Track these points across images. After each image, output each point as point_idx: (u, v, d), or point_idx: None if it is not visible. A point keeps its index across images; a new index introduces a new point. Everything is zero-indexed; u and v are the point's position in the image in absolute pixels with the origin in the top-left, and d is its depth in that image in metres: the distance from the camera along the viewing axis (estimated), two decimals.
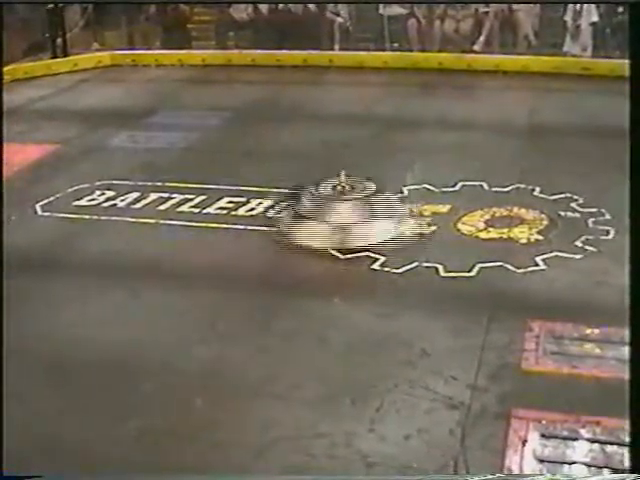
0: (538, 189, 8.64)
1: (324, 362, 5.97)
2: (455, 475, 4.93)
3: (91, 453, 5.12)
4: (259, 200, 8.72)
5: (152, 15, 16.30)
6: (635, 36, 5.04)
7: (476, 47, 14.51)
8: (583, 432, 5.01)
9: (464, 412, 5.25)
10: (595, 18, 13.70)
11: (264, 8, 15.47)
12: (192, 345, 6.26)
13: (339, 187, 8.03)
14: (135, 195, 9.11)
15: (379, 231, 7.76)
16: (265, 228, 8.15)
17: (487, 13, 14.54)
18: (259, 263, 7.54)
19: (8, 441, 4.63)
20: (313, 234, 7.79)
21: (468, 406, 5.31)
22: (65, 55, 15.57)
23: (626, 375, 4.46)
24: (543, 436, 5.01)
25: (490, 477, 4.80)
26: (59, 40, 15.59)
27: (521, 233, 7.72)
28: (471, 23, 14.69)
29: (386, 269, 7.22)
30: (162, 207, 8.78)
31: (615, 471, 4.76)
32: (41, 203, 9.08)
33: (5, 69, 14.47)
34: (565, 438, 4.99)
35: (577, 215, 8.06)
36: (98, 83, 14.56)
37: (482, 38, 14.52)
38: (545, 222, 7.93)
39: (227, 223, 8.30)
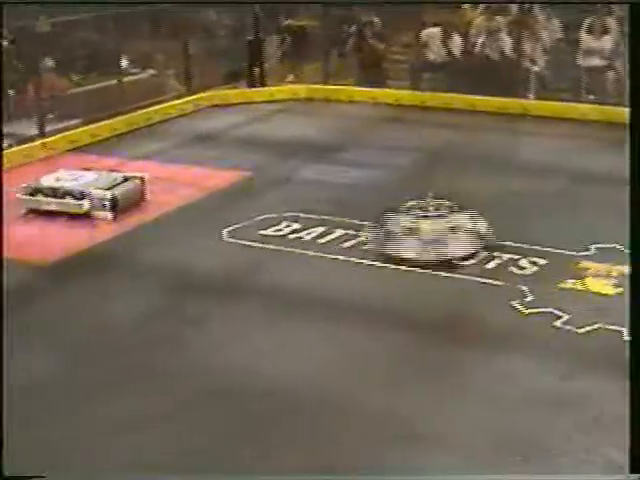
0: None
1: (497, 417, 5.91)
2: (456, 475, 4.98)
3: None
4: None
5: (347, 52, 16.48)
6: (635, 36, 4.93)
7: None
8: None
9: None
10: None
11: (457, 51, 15.46)
12: (360, 386, 6.32)
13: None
14: (321, 229, 9.21)
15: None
16: (447, 274, 8.15)
17: None
18: (439, 309, 7.52)
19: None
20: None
21: None
22: (262, 85, 15.94)
23: None
24: None
25: (490, 477, 4.74)
26: (257, 70, 15.96)
27: None
28: None
29: (568, 327, 7.09)
30: (347, 244, 8.85)
31: None
32: (228, 229, 9.27)
33: (204, 94, 14.99)
34: None
35: None
36: (292, 115, 14.83)
37: None
38: None
39: (412, 266, 8.31)
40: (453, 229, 8.52)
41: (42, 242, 9.15)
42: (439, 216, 8.60)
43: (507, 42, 15.11)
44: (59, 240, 9.13)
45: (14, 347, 6.81)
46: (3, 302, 6.70)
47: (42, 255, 8.79)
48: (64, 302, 7.80)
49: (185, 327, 7.23)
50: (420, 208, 8.70)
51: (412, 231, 8.51)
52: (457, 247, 8.44)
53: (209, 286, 8.09)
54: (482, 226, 8.68)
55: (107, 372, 6.57)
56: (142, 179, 10.23)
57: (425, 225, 8.52)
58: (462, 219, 8.61)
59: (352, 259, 8.52)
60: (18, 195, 9.86)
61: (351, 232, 9.09)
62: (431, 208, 8.70)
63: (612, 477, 4.93)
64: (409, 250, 8.42)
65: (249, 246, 8.92)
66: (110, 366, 6.65)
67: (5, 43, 13.88)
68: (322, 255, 8.65)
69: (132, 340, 7.07)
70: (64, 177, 10.08)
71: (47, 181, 9.98)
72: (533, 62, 14.97)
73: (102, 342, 7.05)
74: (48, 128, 12.68)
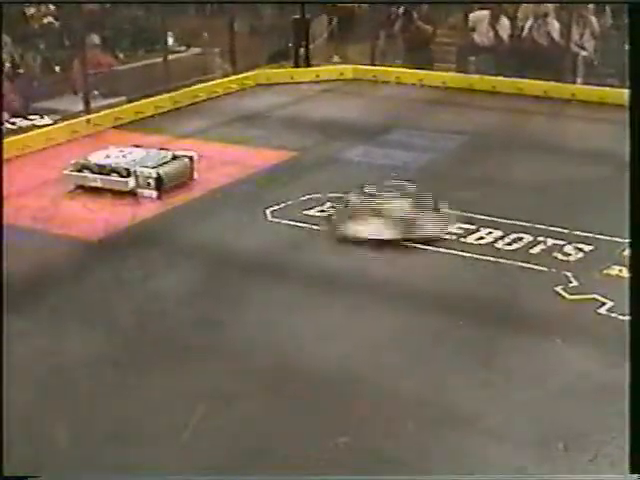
0: None
1: (538, 404, 5.89)
2: (458, 475, 4.96)
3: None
4: (489, 230, 8.65)
5: (395, 33, 16.38)
6: (635, 36, 4.89)
7: None
8: None
9: None
10: None
11: (505, 35, 15.33)
12: (407, 369, 6.32)
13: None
14: None
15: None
16: (492, 259, 8.11)
17: None
18: (483, 293, 7.49)
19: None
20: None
21: None
22: (307, 65, 15.89)
23: None
24: None
25: (490, 477, 4.78)
26: (303, 50, 15.92)
27: None
28: None
29: (612, 314, 7.04)
30: None
31: None
32: (272, 208, 9.28)
33: (249, 74, 14.99)
34: None
35: None
36: (338, 95, 14.76)
37: None
38: None
39: (455, 250, 8.29)
40: (377, 212, 8.47)
41: (88, 218, 9.19)
42: (373, 196, 8.62)
43: (555, 26, 14.96)
44: (104, 217, 9.17)
45: (59, 324, 6.94)
46: (3, 302, 6.72)
47: (87, 232, 8.83)
48: (109, 278, 7.84)
49: (226, 306, 7.25)
50: (383, 187, 8.76)
51: (346, 207, 8.68)
52: (372, 230, 8.37)
53: (252, 265, 8.10)
54: (414, 216, 8.48)
55: (151, 349, 6.64)
56: (191, 158, 10.24)
57: (353, 203, 8.63)
58: (396, 205, 8.52)
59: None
60: (65, 171, 9.94)
61: None
62: (389, 189, 8.72)
63: (612, 477, 4.90)
64: (339, 225, 8.59)
65: (293, 226, 8.92)
66: (152, 343, 6.73)
67: (50, 19, 14.00)
68: None
69: (176, 317, 7.11)
70: (113, 154, 10.12)
71: (95, 158, 10.02)
72: (581, 47, 14.82)
73: (146, 319, 7.10)
74: (93, 105, 12.71)
